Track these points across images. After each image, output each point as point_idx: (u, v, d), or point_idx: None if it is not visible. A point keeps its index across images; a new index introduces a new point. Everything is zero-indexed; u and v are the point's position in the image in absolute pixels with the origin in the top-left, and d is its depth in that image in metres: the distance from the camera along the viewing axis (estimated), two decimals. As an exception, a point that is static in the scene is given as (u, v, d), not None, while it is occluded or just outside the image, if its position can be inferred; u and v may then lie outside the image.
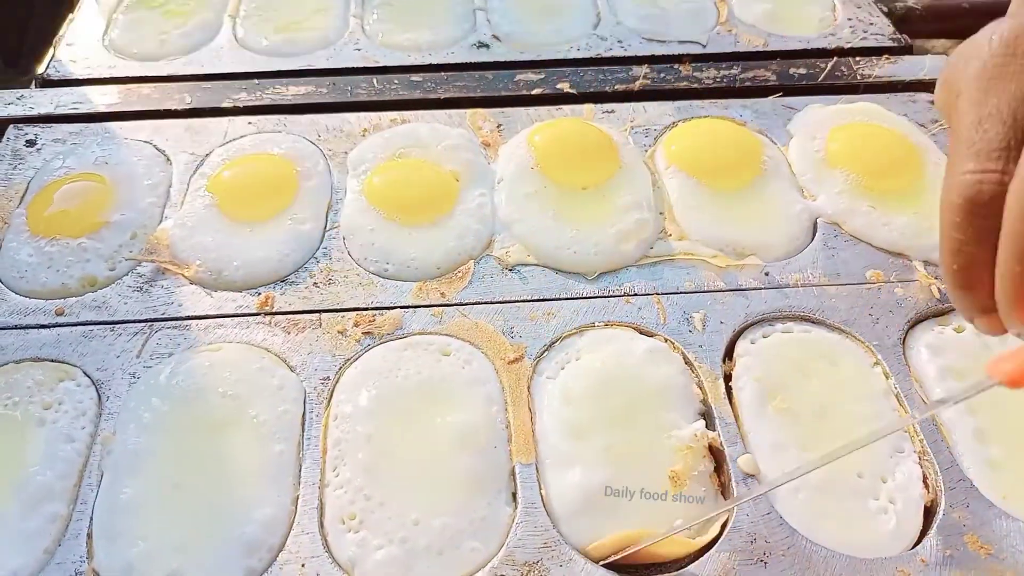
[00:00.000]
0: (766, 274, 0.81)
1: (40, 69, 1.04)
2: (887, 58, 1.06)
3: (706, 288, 0.80)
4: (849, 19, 1.13)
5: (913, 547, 0.63)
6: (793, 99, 1.00)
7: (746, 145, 0.92)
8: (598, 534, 0.63)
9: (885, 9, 1.15)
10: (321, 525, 0.63)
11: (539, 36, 1.09)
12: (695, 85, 1.02)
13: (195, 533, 0.61)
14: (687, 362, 0.74)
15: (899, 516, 0.65)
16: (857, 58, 1.06)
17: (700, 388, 0.72)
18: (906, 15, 1.14)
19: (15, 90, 0.99)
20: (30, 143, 0.92)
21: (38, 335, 0.74)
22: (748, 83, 1.02)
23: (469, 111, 0.97)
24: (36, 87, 1.01)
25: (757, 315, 0.77)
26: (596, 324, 0.76)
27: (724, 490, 0.67)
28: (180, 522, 0.62)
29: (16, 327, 0.75)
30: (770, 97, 0.99)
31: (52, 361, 0.72)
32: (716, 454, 0.68)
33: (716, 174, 0.89)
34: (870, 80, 1.03)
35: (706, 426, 0.69)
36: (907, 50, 1.08)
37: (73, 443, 0.67)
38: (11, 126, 0.94)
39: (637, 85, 1.01)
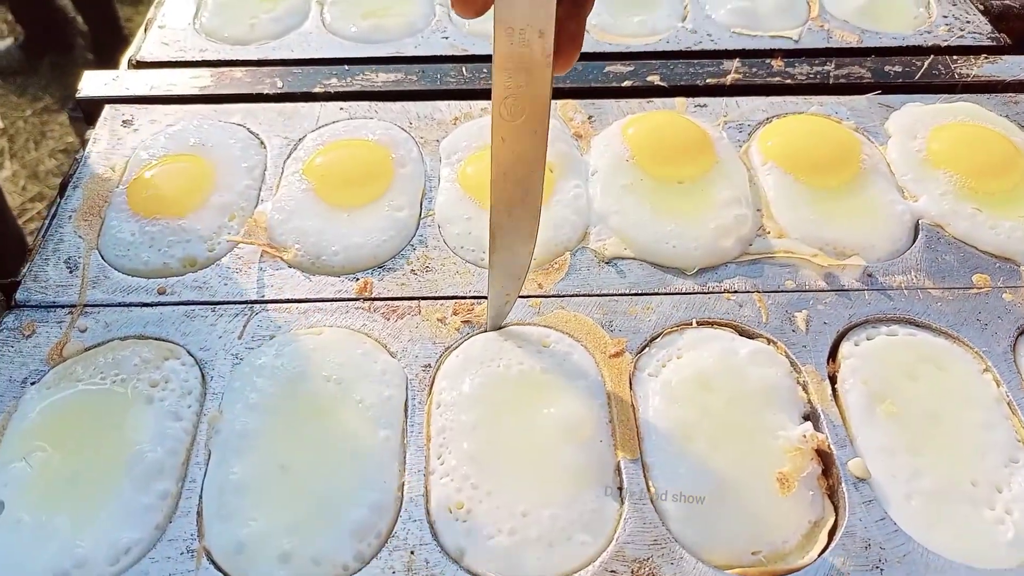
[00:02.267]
0: (869, 275, 0.79)
1: (131, 52, 1.05)
2: (985, 57, 1.03)
3: (808, 288, 0.78)
4: (944, 16, 1.10)
5: (1034, 560, 0.61)
6: (889, 97, 0.97)
7: (844, 143, 0.90)
8: (707, 534, 0.62)
9: (981, 7, 1.12)
10: (428, 512, 0.63)
11: (626, 28, 1.08)
12: (788, 81, 1.00)
13: (304, 515, 0.62)
14: (791, 363, 0.72)
15: (1017, 527, 0.63)
16: (954, 57, 1.03)
17: (805, 390, 0.71)
18: (1003, 13, 1.11)
19: (110, 71, 1.00)
20: (126, 123, 0.93)
21: (141, 313, 0.75)
22: (842, 80, 1.00)
23: (560, 102, 0.96)
24: (128, 69, 1.02)
25: (861, 317, 0.76)
26: (695, 322, 0.75)
27: (832, 494, 0.65)
28: (289, 504, 0.62)
29: (120, 304, 0.76)
30: (867, 95, 0.97)
31: (156, 339, 0.73)
32: (824, 457, 0.67)
33: (814, 171, 0.87)
34: (969, 80, 1.00)
35: (814, 428, 0.68)
36: (1006, 49, 1.05)
37: (180, 421, 0.67)
38: (107, 106, 0.95)
39: (729, 79, 1.00)
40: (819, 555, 0.61)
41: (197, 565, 0.59)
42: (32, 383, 0.69)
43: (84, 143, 0.91)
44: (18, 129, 3.23)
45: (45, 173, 3.08)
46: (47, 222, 0.84)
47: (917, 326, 0.76)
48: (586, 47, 1.04)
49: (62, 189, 0.86)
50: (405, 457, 0.66)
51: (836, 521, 0.64)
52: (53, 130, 3.25)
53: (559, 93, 0.98)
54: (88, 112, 0.96)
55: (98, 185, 0.86)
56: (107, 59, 3.18)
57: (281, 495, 0.63)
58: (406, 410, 0.69)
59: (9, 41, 3.43)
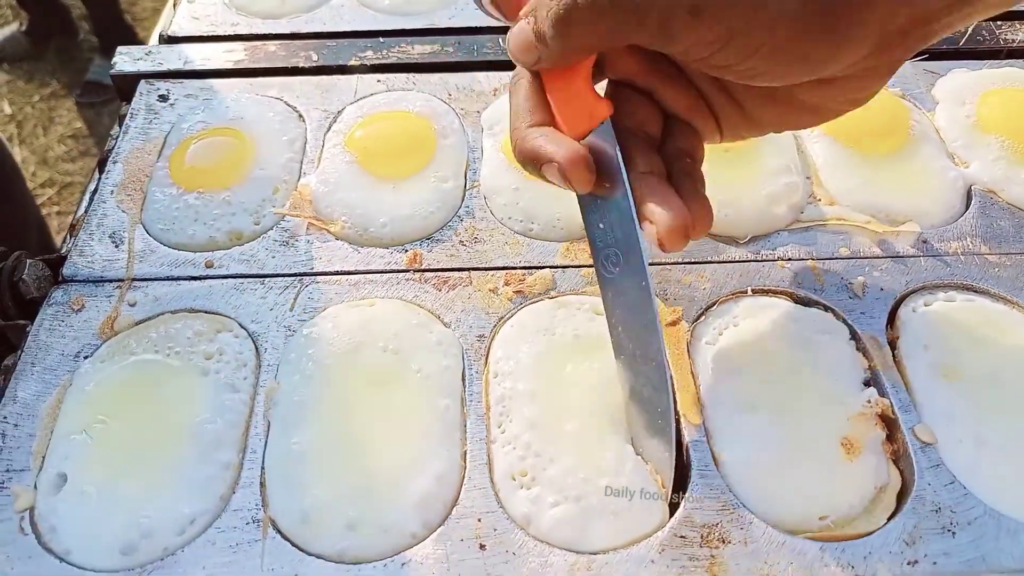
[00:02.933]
0: (924, 241, 0.78)
1: (161, 27, 1.04)
2: (1029, 22, 1.02)
3: (862, 254, 0.77)
4: (985, -18, 1.08)
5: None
6: (934, 63, 0.96)
7: (892, 109, 0.89)
8: (773, 500, 0.62)
9: (1022, -28, 1.10)
10: (492, 481, 0.62)
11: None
12: (829, 48, 0.99)
13: (368, 485, 0.61)
14: (850, 329, 0.72)
15: (1087, 489, 0.62)
16: (999, 22, 1.02)
17: (865, 356, 0.70)
18: (1045, -22, 1.09)
19: (142, 46, 0.99)
20: (163, 98, 0.92)
21: (190, 287, 0.74)
22: (885, 46, 0.99)
23: (598, 71, 0.95)
24: (160, 44, 1.01)
25: (918, 283, 0.75)
26: (750, 291, 0.74)
27: (897, 459, 0.65)
28: (352, 474, 0.62)
29: (168, 278, 0.75)
30: (911, 61, 0.95)
31: (207, 312, 0.72)
32: (888, 422, 0.66)
33: (863, 139, 0.86)
34: (1014, 45, 0.99)
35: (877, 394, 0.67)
36: (1049, 14, 1.04)
37: (238, 393, 0.67)
38: (142, 81, 0.94)
39: (770, 47, 0.98)
40: (888, 519, 0.61)
41: (264, 535, 0.59)
42: (86, 357, 0.69)
43: (121, 119, 0.90)
44: (26, 115, 3.22)
45: (55, 159, 3.08)
46: (89, 197, 0.83)
47: (975, 292, 0.75)
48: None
49: (101, 165, 0.85)
50: (466, 426, 0.65)
51: (903, 486, 0.63)
52: (61, 116, 3.24)
53: (598, 63, 0.97)
54: (121, 88, 0.95)
55: (138, 159, 0.85)
56: (111, 43, 3.17)
57: (343, 465, 0.62)
58: (464, 380, 0.68)
59: (14, 27, 3.42)
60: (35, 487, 0.61)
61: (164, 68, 0.95)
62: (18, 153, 3.00)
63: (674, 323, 0.71)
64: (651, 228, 0.56)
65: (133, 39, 3.14)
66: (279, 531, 0.59)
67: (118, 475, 0.61)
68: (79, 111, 3.19)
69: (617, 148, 0.57)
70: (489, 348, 0.70)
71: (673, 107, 0.62)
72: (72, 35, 3.39)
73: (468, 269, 0.76)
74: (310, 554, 0.58)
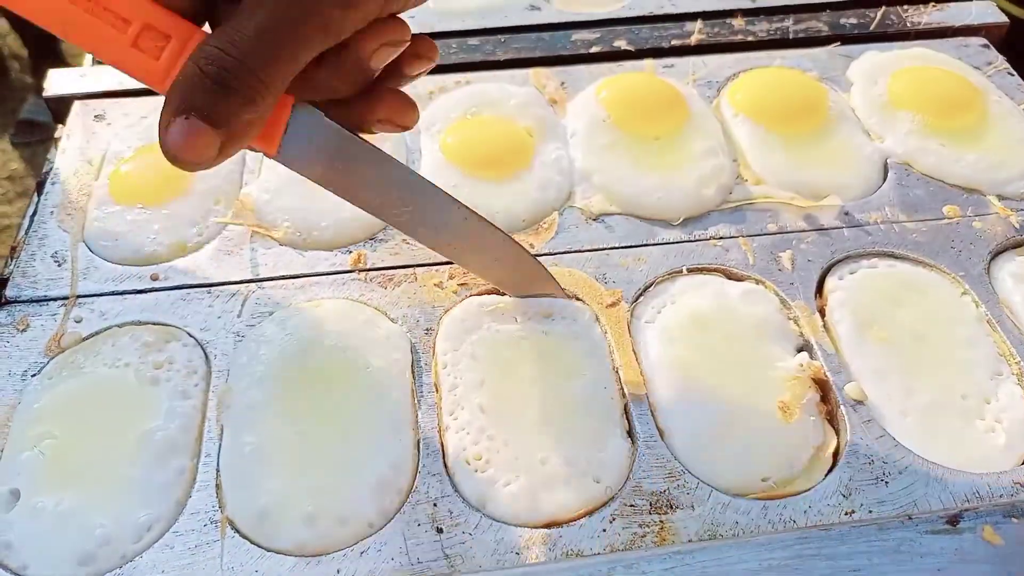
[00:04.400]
0: (846, 214, 0.82)
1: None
2: (933, 5, 1.07)
3: (789, 229, 0.81)
4: (892, -31, 1.14)
5: (1026, 461, 0.64)
6: (848, 48, 1.01)
7: (810, 91, 0.93)
8: (716, 465, 0.64)
9: (925, -42, 1.16)
10: (446, 466, 0.64)
11: (588, -3, 1.10)
12: (749, 38, 1.03)
13: (323, 479, 0.62)
14: (781, 300, 0.75)
15: (1008, 433, 0.66)
16: (904, 7, 1.07)
17: (796, 323, 0.73)
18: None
19: (76, 68, 0.98)
20: (98, 117, 0.92)
21: (136, 300, 0.75)
22: (802, 34, 1.03)
23: (531, 70, 0.97)
24: (93, 64, 1.01)
25: (842, 252, 0.78)
26: (685, 269, 0.77)
27: (832, 418, 0.68)
28: (307, 469, 0.63)
29: (114, 293, 0.75)
30: (826, 47, 1.00)
31: (155, 324, 0.73)
32: (821, 384, 0.69)
33: (784, 120, 0.90)
34: (920, 27, 1.04)
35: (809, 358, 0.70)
36: (951, -3, 1.10)
37: (189, 399, 0.67)
38: (77, 102, 0.94)
39: (693, 40, 1.02)
40: (826, 475, 0.64)
41: (222, 535, 0.60)
42: (32, 375, 0.69)
43: (56, 141, 0.90)
44: (-41, 158, 3.14)
45: (-9, 200, 3.00)
46: (28, 220, 0.83)
47: (896, 258, 0.79)
48: (550, 17, 1.07)
49: (39, 187, 0.85)
50: (417, 416, 0.67)
51: (838, 443, 0.66)
52: (-4, 156, 3.16)
53: (528, 62, 1.00)
54: (56, 110, 0.95)
55: (77, 179, 0.85)
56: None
57: (298, 461, 0.63)
58: (414, 372, 0.69)
59: (-57, 70, 3.33)
60: (-12, 506, 0.61)
61: (99, 89, 0.95)
62: (-47, 198, 2.93)
63: (614, 304, 0.74)
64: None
65: (67, 70, 3.07)
66: (237, 531, 0.60)
67: (71, 487, 0.61)
68: (15, 151, 3.12)
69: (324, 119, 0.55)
70: (435, 340, 0.72)
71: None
72: (3, 75, 3.33)
73: (412, 266, 0.77)
74: (270, 550, 0.59)
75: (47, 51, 3.15)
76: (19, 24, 3.09)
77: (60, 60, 3.16)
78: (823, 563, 0.55)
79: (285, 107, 0.53)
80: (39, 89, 3.15)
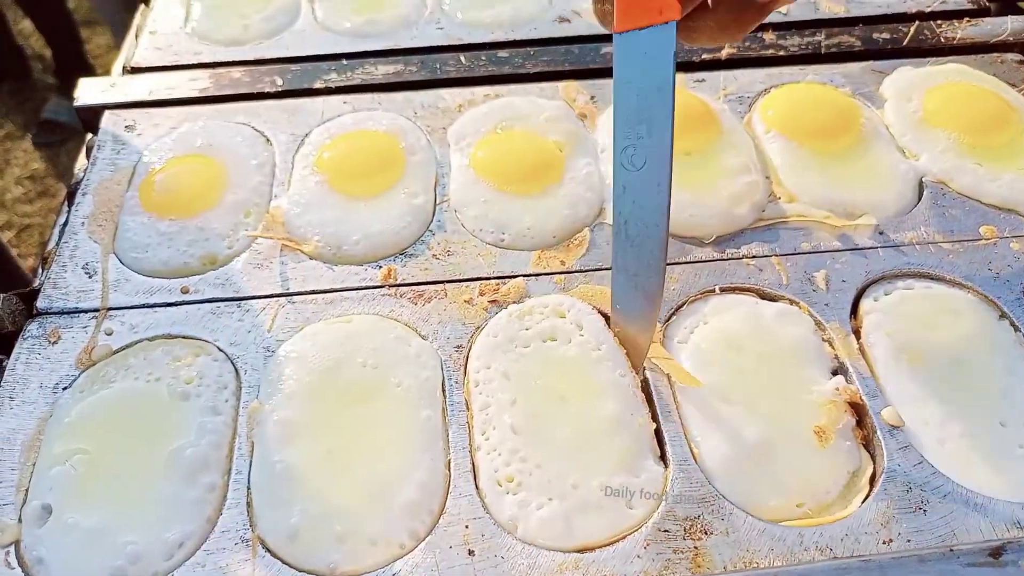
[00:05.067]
0: (880, 233, 0.81)
1: (124, 58, 1.05)
2: (968, 20, 1.06)
3: (823, 248, 0.80)
4: (925, -17, 1.13)
5: (1070, 491, 0.63)
6: (881, 63, 1.00)
7: (843, 107, 0.92)
8: (751, 490, 0.63)
9: (959, -28, 1.14)
10: (477, 488, 0.63)
11: (618, 10, 1.09)
12: (780, 52, 1.02)
13: (354, 499, 0.62)
14: (815, 321, 0.74)
15: (1049, 462, 0.65)
16: (938, 21, 1.06)
17: (832, 346, 0.72)
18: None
19: (105, 78, 0.99)
20: (129, 128, 0.92)
21: (166, 313, 0.75)
22: (834, 49, 1.02)
23: (561, 84, 0.97)
24: (123, 75, 1.01)
25: (878, 273, 0.77)
26: (718, 289, 0.76)
27: (868, 444, 0.67)
28: (338, 489, 0.62)
29: (144, 306, 0.75)
30: (860, 63, 0.99)
31: (184, 338, 0.73)
32: (856, 408, 0.68)
33: (817, 137, 0.89)
34: (955, 43, 1.03)
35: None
36: (985, 12, 1.08)
37: (220, 416, 0.67)
38: (107, 112, 0.94)
39: (724, 54, 1.01)
40: (863, 502, 0.63)
41: (253, 555, 0.59)
42: (64, 388, 0.69)
43: (88, 151, 0.90)
44: (-20, 159, 3.16)
45: (12, 201, 3.02)
46: (60, 230, 0.83)
47: (932, 279, 0.78)
48: (580, 30, 1.06)
49: (70, 197, 0.85)
50: (448, 435, 0.66)
51: (875, 470, 0.65)
52: (17, 157, 3.19)
53: (557, 75, 0.99)
54: (86, 120, 0.95)
55: (108, 190, 0.85)
56: (70, 82, 3.13)
57: (329, 480, 0.63)
58: (444, 390, 0.69)
59: (-34, 72, 3.36)
60: (19, 520, 0.61)
61: (129, 99, 0.96)
62: (-26, 196, 2.95)
63: (646, 324, 0.73)
64: None
65: (92, 76, 3.10)
66: (268, 549, 0.60)
67: (103, 503, 0.61)
68: (36, 151, 3.15)
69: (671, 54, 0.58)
70: (467, 358, 0.71)
71: None
72: (25, 76, 3.36)
73: (443, 282, 0.77)
74: (301, 571, 0.59)
75: (70, 53, 3.18)
76: (43, 26, 3.12)
77: (82, 61, 3.19)
78: (863, 596, 0.54)
79: None
80: (61, 90, 3.19)
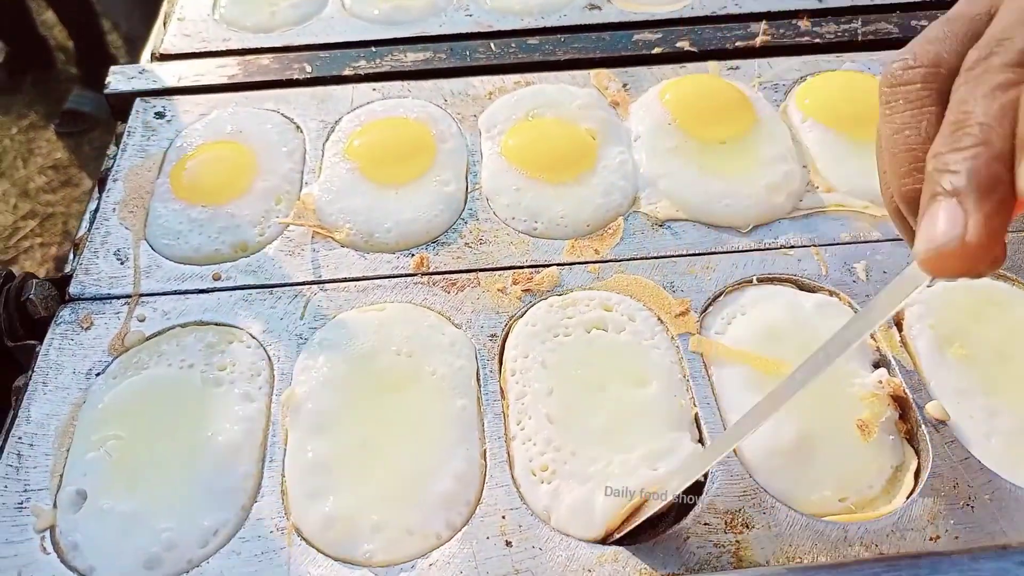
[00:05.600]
0: (922, 223, 0.79)
1: (152, 46, 1.04)
2: (1008, 8, 1.03)
3: (863, 238, 0.78)
4: (963, -30, 1.10)
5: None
6: (920, 51, 0.97)
7: (882, 96, 0.90)
8: (792, 484, 0.62)
9: (998, -40, 1.12)
10: (512, 478, 0.62)
11: (649, -3, 1.08)
12: (816, 40, 1.00)
13: (389, 488, 0.61)
14: (856, 313, 0.72)
15: (1100, 458, 0.63)
16: (979, 8, 1.03)
17: (873, 338, 0.71)
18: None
19: (135, 65, 0.98)
20: (159, 115, 0.92)
21: (198, 300, 0.74)
22: (871, 36, 1.00)
23: (592, 71, 0.96)
24: (152, 62, 1.01)
25: (920, 264, 0.76)
26: (755, 279, 0.75)
27: (911, 437, 0.65)
28: (374, 477, 0.61)
29: (176, 292, 0.75)
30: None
31: (217, 325, 0.72)
32: (900, 402, 0.67)
33: (856, 126, 0.87)
34: (995, 30, 1.00)
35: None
36: (1027, -1, 1.06)
37: (254, 403, 0.66)
38: (138, 99, 0.94)
39: (758, 41, 1.00)
40: (907, 497, 0.61)
41: (288, 543, 0.59)
42: (97, 374, 0.68)
43: (118, 138, 0.90)
44: (5, 148, 3.19)
45: (36, 190, 3.04)
46: (90, 216, 0.83)
47: (975, 270, 0.76)
48: (611, 17, 1.05)
49: (101, 183, 0.85)
50: (484, 425, 0.65)
51: (919, 465, 0.64)
52: (40, 147, 3.21)
53: (588, 63, 0.98)
54: (116, 107, 0.95)
55: (138, 176, 0.85)
56: (92, 72, 3.14)
57: (365, 469, 0.62)
58: (479, 379, 0.68)
59: (-9, 60, 3.39)
60: (55, 506, 0.61)
61: (158, 86, 0.95)
62: (-2, 186, 2.97)
63: (683, 314, 0.72)
64: None
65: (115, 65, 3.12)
66: (303, 538, 0.59)
67: (137, 489, 0.61)
68: (59, 141, 3.16)
69: None
70: (503, 347, 0.70)
71: None
72: (49, 66, 3.37)
73: (475, 270, 0.76)
74: (337, 560, 0.58)
75: (91, 44, 3.19)
76: (64, 16, 3.13)
77: (104, 52, 3.20)
78: (913, 593, 0.53)
79: None
80: (84, 80, 3.20)
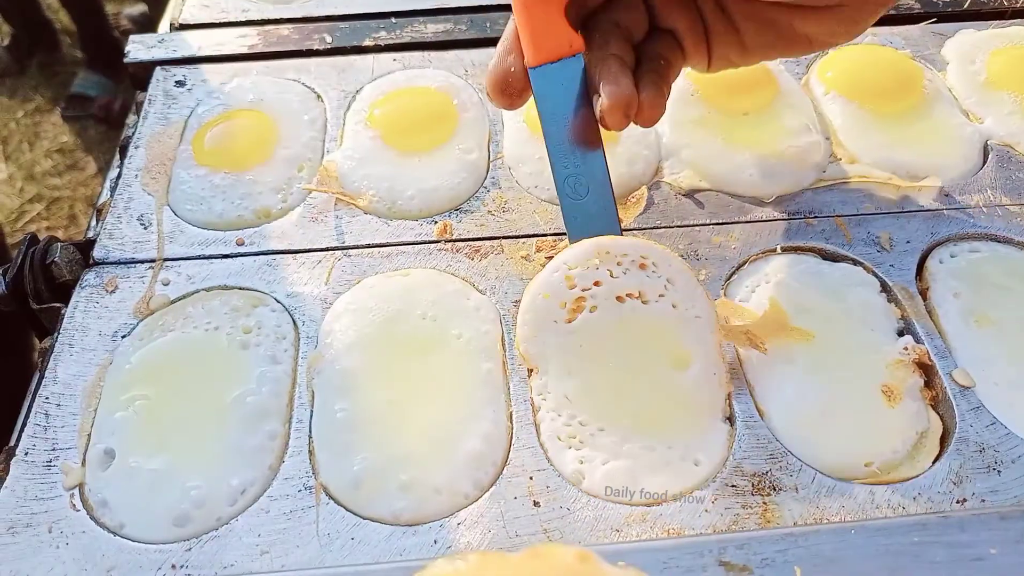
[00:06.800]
0: (946, 195, 0.79)
1: (171, 15, 1.04)
2: (1031, -17, 1.03)
3: (886, 210, 0.78)
4: (985, -54, 1.10)
5: None
6: (942, 26, 0.97)
7: (905, 69, 0.90)
8: (818, 448, 0.62)
9: (1020, -65, 1.11)
10: (539, 441, 0.62)
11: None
12: (837, 14, 1.00)
13: (417, 448, 0.61)
14: (880, 282, 0.72)
15: (1125, 422, 0.63)
16: (1001, -16, 1.03)
17: (898, 306, 0.71)
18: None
19: (154, 34, 0.98)
20: (179, 83, 0.91)
21: (222, 264, 0.74)
22: (892, 11, 1.00)
23: (613, 44, 0.95)
24: (171, 32, 1.01)
25: (943, 235, 0.76)
26: (779, 248, 0.75)
27: (936, 405, 0.65)
28: (400, 438, 0.62)
29: (200, 257, 0.75)
30: (920, 24, 0.97)
31: (242, 289, 0.72)
32: (925, 369, 0.67)
33: (879, 99, 0.87)
34: (1018, 6, 1.00)
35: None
36: (1049, -26, 1.05)
37: (280, 364, 0.66)
38: (158, 68, 0.93)
39: (779, 15, 0.99)
40: (933, 462, 0.62)
41: (317, 501, 0.59)
42: (123, 336, 0.69)
43: (138, 106, 0.90)
44: (11, 131, 3.18)
45: (42, 174, 3.04)
46: (111, 184, 0.83)
47: (999, 241, 0.76)
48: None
49: (123, 150, 0.85)
50: (510, 388, 0.65)
51: (945, 430, 0.64)
52: (46, 130, 3.21)
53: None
54: (136, 76, 0.95)
55: (160, 143, 0.85)
56: (97, 56, 3.14)
57: (391, 429, 0.62)
58: (503, 344, 0.68)
59: (-5, 43, 3.38)
60: (83, 464, 0.61)
61: (178, 55, 0.95)
62: (4, 169, 2.97)
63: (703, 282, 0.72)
64: (597, 101, 0.61)
65: (120, 51, 3.12)
66: (332, 497, 0.59)
67: (165, 448, 0.61)
68: (65, 125, 3.16)
69: (582, 85, 0.64)
70: (525, 313, 0.70)
71: (668, 23, 0.66)
72: (54, 49, 3.37)
73: (499, 238, 0.76)
74: (364, 518, 0.58)
75: (93, 26, 3.18)
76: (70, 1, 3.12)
77: (107, 34, 3.19)
78: (943, 551, 0.53)
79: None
80: (89, 63, 3.19)
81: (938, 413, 0.65)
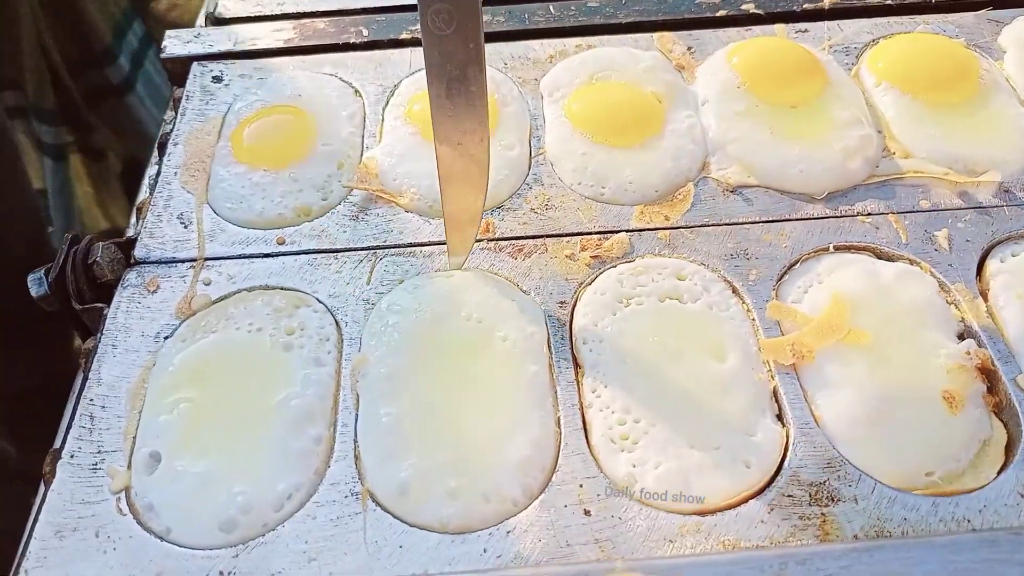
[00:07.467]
0: (1006, 191, 0.76)
1: (207, 8, 1.03)
2: (1091, -34, 0.99)
3: (944, 206, 0.75)
4: (1042, -72, 1.05)
5: None
6: (997, 12, 0.94)
7: (960, 58, 0.87)
8: (877, 457, 0.60)
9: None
10: (589, 446, 0.61)
11: (711, -42, 1.04)
12: (888, 1, 0.96)
13: (464, 454, 0.60)
14: (939, 282, 0.70)
15: None
16: (1060, -32, 0.99)
17: (958, 308, 0.68)
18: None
19: (190, 29, 0.97)
20: (217, 79, 0.91)
21: (263, 264, 0.73)
22: (945, -2, 0.96)
23: (656, 34, 0.93)
24: (206, 26, 1.00)
25: (1004, 233, 0.73)
26: (832, 247, 0.73)
27: (999, 412, 0.63)
28: (447, 443, 0.61)
29: (241, 256, 0.74)
30: (978, 12, 0.93)
31: (283, 289, 0.71)
32: (987, 374, 0.64)
33: (933, 89, 0.84)
34: (1078, -10, 0.96)
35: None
36: (1110, -42, 1.01)
37: (323, 367, 0.66)
38: (195, 63, 0.92)
39: (827, 3, 0.96)
40: (998, 472, 0.59)
41: (363, 507, 0.58)
42: (166, 337, 0.68)
43: (176, 102, 0.89)
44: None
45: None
46: (150, 181, 0.82)
47: (1063, 239, 0.73)
48: (673, -22, 1.01)
49: (161, 148, 0.84)
50: (556, 392, 0.64)
51: (1010, 438, 0.62)
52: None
53: (650, 26, 0.95)
54: (172, 71, 0.94)
55: (198, 140, 0.84)
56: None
57: (437, 434, 0.61)
58: (550, 346, 0.67)
59: None
60: (129, 467, 0.61)
61: (215, 50, 0.94)
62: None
63: (756, 282, 0.70)
64: None
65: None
66: (378, 503, 0.59)
67: (210, 452, 0.60)
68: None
69: None
70: (572, 314, 0.69)
71: None
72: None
73: (542, 236, 0.74)
74: (412, 525, 0.57)
75: None
76: None
77: None
78: (1015, 569, 0.51)
79: None
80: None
81: (1002, 420, 0.63)
